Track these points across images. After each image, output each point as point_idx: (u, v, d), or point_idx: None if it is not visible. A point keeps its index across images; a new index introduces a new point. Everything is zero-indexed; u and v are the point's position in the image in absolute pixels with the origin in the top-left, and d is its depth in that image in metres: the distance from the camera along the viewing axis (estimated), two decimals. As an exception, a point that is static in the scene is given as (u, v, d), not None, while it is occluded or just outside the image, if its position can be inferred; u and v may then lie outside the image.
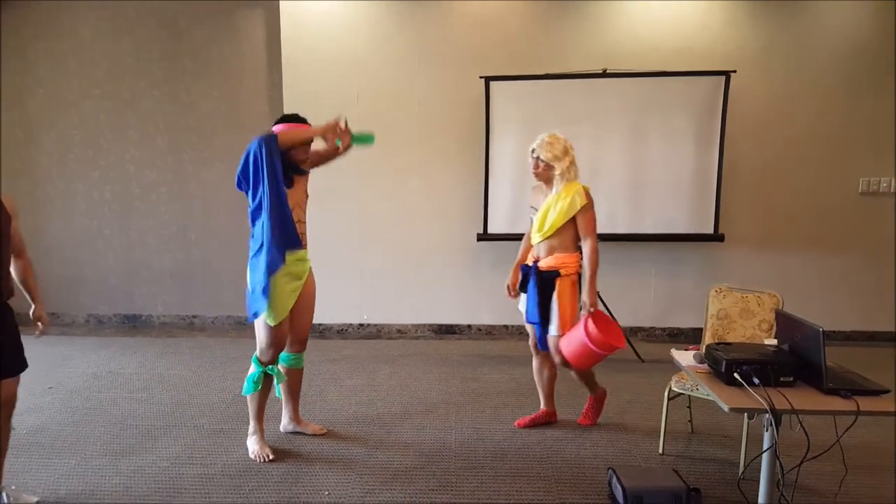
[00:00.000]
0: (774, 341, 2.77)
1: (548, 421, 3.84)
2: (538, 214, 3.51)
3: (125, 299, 6.34)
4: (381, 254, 5.91)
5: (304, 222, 3.35)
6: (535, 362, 3.80)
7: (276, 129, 3.23)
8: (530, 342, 3.76)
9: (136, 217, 6.16)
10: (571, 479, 3.19)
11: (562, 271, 3.46)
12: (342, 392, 4.42)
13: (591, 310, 3.38)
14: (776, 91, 5.52)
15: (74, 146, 6.14)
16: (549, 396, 3.85)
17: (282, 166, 3.12)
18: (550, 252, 3.50)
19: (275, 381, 3.46)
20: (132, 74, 6.05)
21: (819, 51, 5.46)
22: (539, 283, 3.48)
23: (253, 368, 3.35)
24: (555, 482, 3.15)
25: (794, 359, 2.47)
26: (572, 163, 3.46)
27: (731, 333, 3.44)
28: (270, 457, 3.36)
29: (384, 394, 4.42)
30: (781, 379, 2.40)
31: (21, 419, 3.90)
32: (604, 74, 5.38)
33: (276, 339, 3.29)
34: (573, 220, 3.43)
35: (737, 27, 5.46)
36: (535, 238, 3.55)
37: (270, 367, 3.36)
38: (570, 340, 3.38)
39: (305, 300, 3.44)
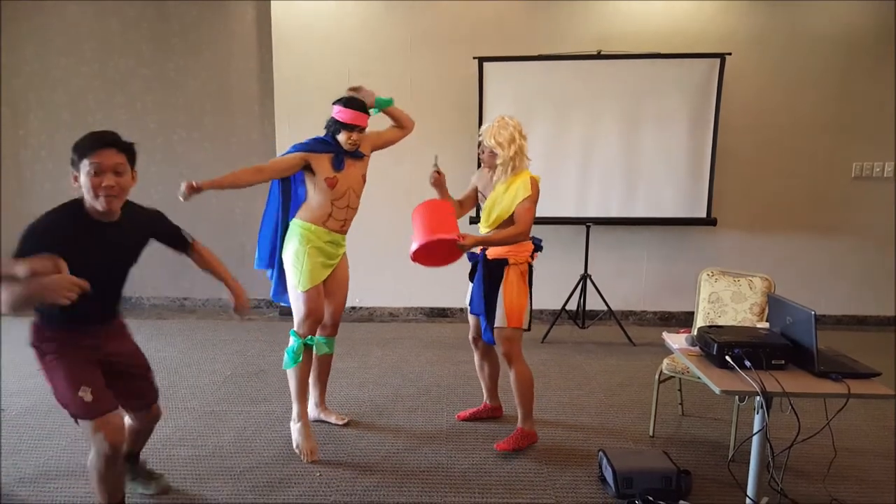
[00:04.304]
0: (766, 325, 2.78)
1: (492, 416, 3.70)
2: (485, 204, 3.26)
3: (115, 281, 6.28)
4: (373, 237, 5.88)
5: (356, 208, 3.37)
6: (476, 357, 3.63)
7: (333, 109, 3.22)
8: (470, 335, 3.57)
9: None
10: (562, 460, 3.21)
11: (511, 259, 3.17)
12: (334, 375, 4.40)
13: (461, 241, 2.98)
14: (770, 74, 5.50)
15: (63, 126, 6.05)
16: (492, 392, 3.70)
17: (334, 149, 3.23)
18: None
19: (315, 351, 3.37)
20: (120, 53, 5.95)
21: (814, 35, 5.44)
22: (486, 272, 3.23)
23: (291, 341, 3.27)
24: (545, 464, 3.16)
25: (786, 342, 2.48)
26: (518, 153, 3.11)
27: (722, 317, 3.44)
28: (315, 456, 3.19)
29: (376, 377, 4.42)
30: (773, 362, 2.41)
31: (11, 401, 3.89)
32: (598, 56, 5.33)
33: (312, 308, 3.23)
34: None
35: (731, 10, 5.42)
36: (482, 228, 3.30)
37: (310, 337, 3.27)
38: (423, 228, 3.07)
39: (339, 280, 3.43)
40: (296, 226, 3.26)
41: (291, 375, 3.30)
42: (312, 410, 3.66)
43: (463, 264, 3.30)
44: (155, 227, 2.63)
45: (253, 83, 5.96)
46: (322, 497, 2.88)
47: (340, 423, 3.61)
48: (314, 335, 3.31)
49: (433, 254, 3.10)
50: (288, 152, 3.22)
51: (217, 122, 5.99)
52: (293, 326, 3.29)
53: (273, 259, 3.43)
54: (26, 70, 5.99)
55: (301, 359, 3.26)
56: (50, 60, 5.98)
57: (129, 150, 2.33)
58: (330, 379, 4.25)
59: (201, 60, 5.95)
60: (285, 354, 3.28)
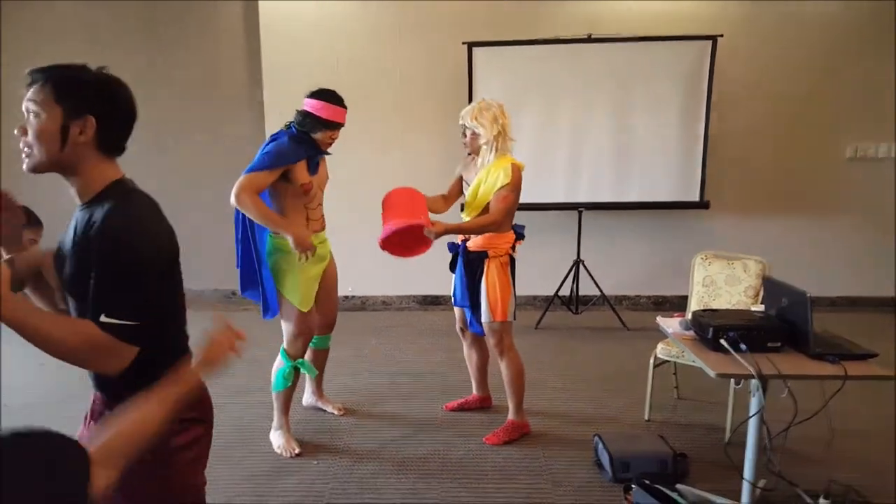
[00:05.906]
0: (761, 307, 2.77)
1: (480, 406, 3.69)
2: (469, 189, 3.20)
3: (106, 273, 6.22)
4: (364, 225, 5.83)
5: (322, 204, 3.25)
6: (464, 347, 3.61)
7: (308, 103, 2.99)
8: (457, 325, 3.55)
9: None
10: (558, 445, 3.21)
11: (490, 252, 3.14)
12: (329, 364, 4.35)
13: (429, 227, 2.97)
14: (763, 56, 5.47)
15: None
16: (481, 382, 3.68)
17: (311, 151, 3.04)
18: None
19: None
20: (108, 43, 5.86)
21: (806, 16, 5.40)
22: (467, 264, 3.21)
23: (282, 363, 3.16)
24: (541, 449, 3.17)
25: (782, 324, 2.47)
26: (501, 133, 3.09)
27: (716, 300, 3.44)
28: (297, 451, 3.14)
29: (370, 365, 4.41)
30: (769, 344, 2.40)
31: (13, 396, 3.85)
32: (589, 39, 5.29)
33: (305, 328, 3.13)
34: None
35: (723, -9, 5.39)
36: (466, 215, 3.23)
37: (300, 360, 3.19)
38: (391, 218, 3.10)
39: (330, 282, 3.34)
40: (277, 241, 3.04)
41: (279, 394, 3.19)
42: (309, 398, 3.67)
43: (446, 254, 3.27)
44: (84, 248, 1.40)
45: (242, 72, 5.89)
46: (320, 485, 2.87)
47: (337, 412, 3.60)
48: (304, 357, 3.22)
49: (403, 242, 3.11)
50: (265, 164, 2.89)
51: (207, 112, 5.92)
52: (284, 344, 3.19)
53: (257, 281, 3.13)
54: (9, 60, 5.89)
55: (290, 382, 3.17)
56: (37, 51, 5.88)
57: (53, 80, 1.45)
58: (325, 368, 4.24)
59: (190, 50, 5.87)
60: (274, 376, 3.17)
